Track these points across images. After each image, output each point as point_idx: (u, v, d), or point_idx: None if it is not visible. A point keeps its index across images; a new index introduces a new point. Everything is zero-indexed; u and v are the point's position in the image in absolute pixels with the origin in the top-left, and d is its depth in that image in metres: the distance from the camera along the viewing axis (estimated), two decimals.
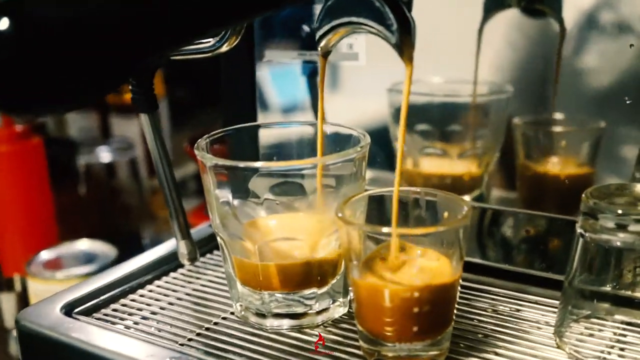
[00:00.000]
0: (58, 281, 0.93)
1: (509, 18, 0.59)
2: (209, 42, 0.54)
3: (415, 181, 0.68)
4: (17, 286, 1.07)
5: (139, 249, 0.68)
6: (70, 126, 1.48)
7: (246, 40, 0.70)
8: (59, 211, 1.19)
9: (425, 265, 0.47)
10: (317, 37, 0.47)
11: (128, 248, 0.92)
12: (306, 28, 0.67)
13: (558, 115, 0.60)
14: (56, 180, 1.22)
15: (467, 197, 0.66)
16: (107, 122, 1.47)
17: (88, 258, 1.00)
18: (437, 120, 0.65)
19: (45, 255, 1.02)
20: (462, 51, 0.61)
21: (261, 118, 0.73)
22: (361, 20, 0.44)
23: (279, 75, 0.72)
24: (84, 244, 1.05)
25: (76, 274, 0.95)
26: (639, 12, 0.53)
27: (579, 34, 0.55)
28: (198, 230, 0.71)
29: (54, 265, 0.99)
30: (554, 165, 0.61)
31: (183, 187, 1.33)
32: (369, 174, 0.69)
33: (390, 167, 0.68)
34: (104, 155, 1.36)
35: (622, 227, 0.44)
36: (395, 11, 0.42)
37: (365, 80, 0.68)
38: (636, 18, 0.53)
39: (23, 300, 1.04)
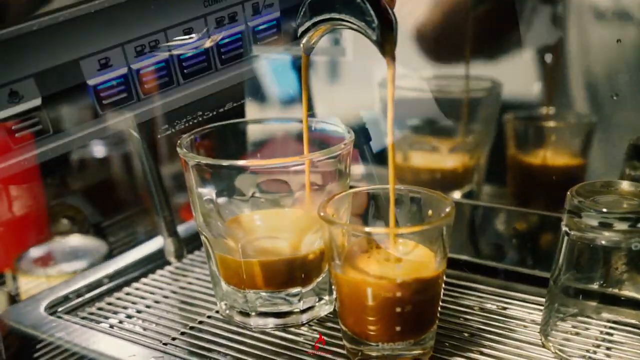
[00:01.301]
0: (48, 277, 0.92)
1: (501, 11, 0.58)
2: (192, 37, 0.53)
3: (406, 176, 0.67)
4: (9, 282, 1.06)
5: (134, 244, 0.68)
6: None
7: None
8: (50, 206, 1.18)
9: (408, 263, 0.46)
10: (298, 34, 0.46)
11: (122, 243, 0.92)
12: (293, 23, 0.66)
13: (549, 110, 0.59)
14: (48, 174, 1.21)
15: (457, 193, 0.65)
16: None
17: (79, 254, 0.99)
18: (427, 115, 0.65)
19: (36, 251, 1.01)
20: (452, 44, 0.61)
21: (249, 113, 0.73)
22: (342, 16, 0.43)
23: (267, 69, 0.71)
24: (75, 240, 1.04)
25: (67, 270, 0.95)
26: (626, 6, 0.52)
27: (571, 27, 0.55)
28: (189, 227, 0.70)
29: (45, 261, 0.98)
30: (545, 160, 0.60)
31: (178, 180, 1.32)
32: (361, 169, 0.68)
33: (382, 161, 0.68)
34: (98, 149, 1.35)
35: (606, 226, 0.44)
36: (376, 7, 0.41)
37: (358, 74, 0.67)
38: (622, 13, 0.52)
39: (15, 297, 1.03)
